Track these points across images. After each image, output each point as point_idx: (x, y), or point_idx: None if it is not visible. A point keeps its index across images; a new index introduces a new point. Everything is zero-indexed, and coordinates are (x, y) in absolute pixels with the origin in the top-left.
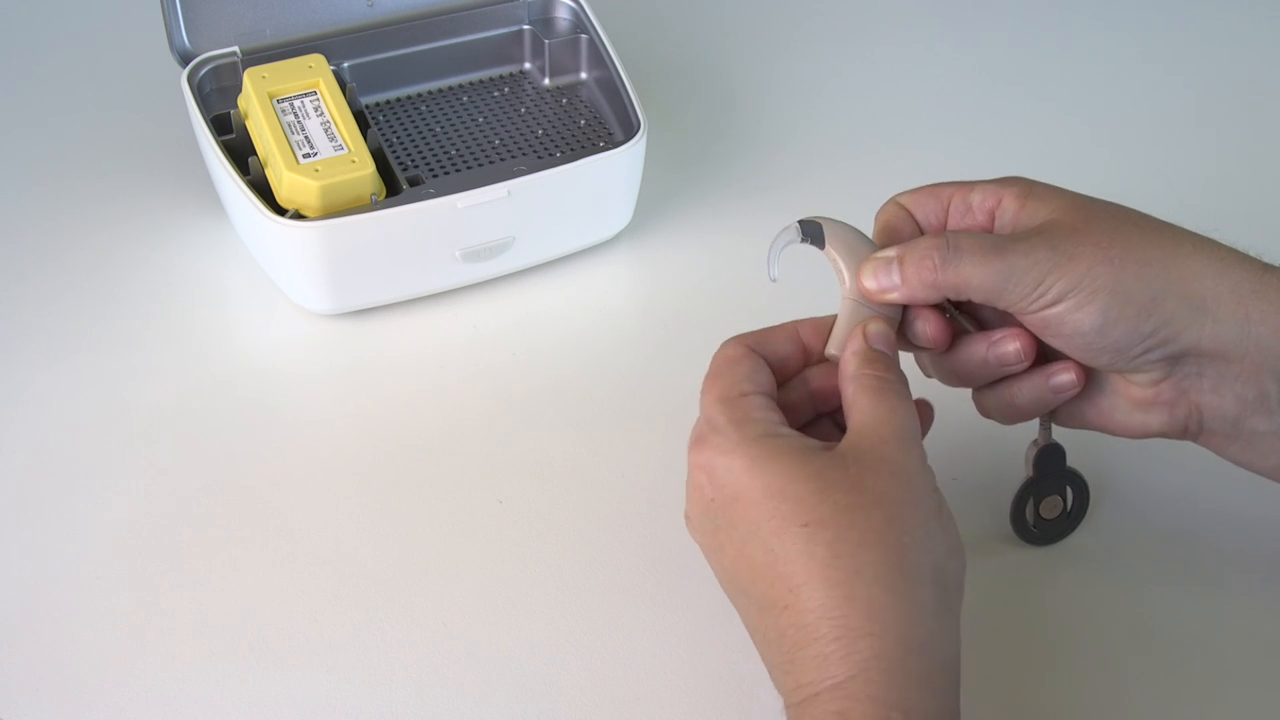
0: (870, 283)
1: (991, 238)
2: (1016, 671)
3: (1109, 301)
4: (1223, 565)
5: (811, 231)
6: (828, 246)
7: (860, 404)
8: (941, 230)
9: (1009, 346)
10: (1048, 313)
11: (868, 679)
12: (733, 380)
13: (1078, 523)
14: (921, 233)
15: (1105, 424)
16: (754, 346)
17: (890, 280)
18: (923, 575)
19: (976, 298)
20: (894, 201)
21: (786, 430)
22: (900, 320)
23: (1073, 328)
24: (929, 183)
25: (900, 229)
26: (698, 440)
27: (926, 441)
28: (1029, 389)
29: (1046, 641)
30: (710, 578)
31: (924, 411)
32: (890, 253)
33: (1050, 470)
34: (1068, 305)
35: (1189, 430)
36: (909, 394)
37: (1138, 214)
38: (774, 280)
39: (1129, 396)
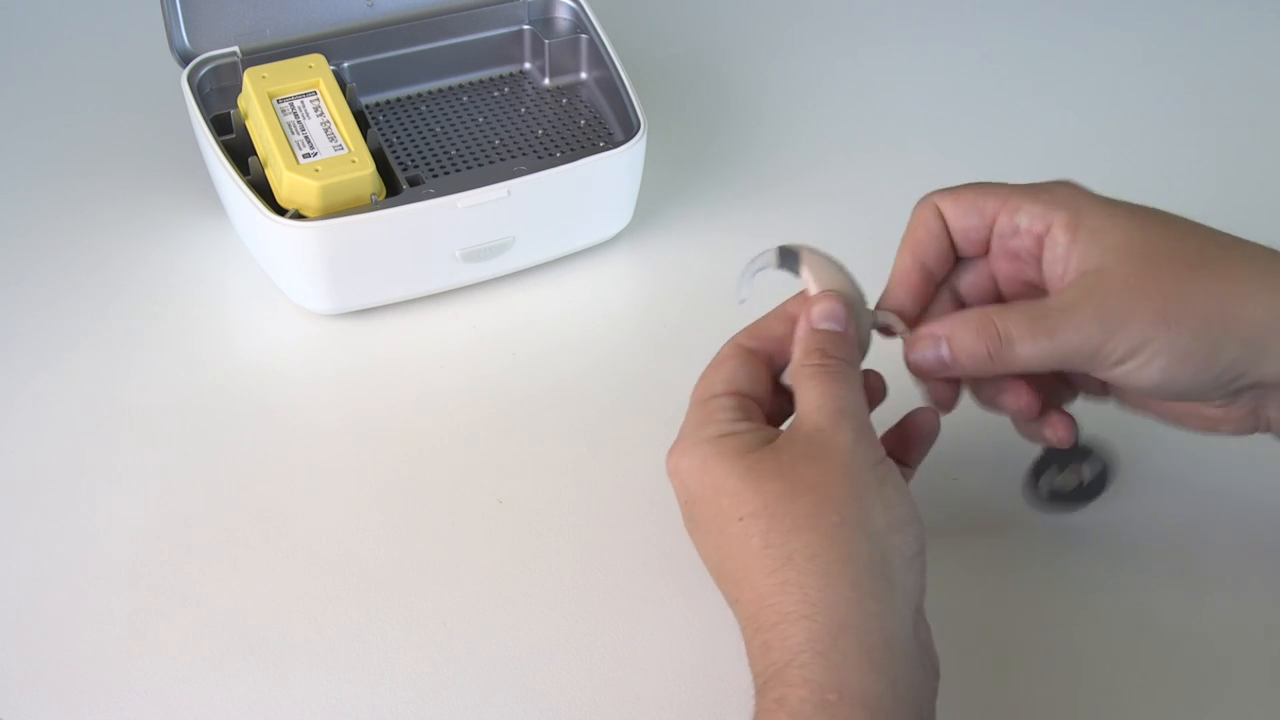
0: (920, 360)
1: (1039, 313)
2: (1014, 665)
3: (1168, 362)
4: (1230, 560)
5: (789, 260)
6: (803, 274)
7: (799, 394)
8: (985, 245)
9: (1008, 403)
10: (1108, 374)
11: (802, 663)
12: (709, 383)
13: (1094, 496)
14: (953, 249)
15: (1175, 424)
16: (745, 341)
17: (939, 358)
18: (856, 554)
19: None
20: (932, 204)
21: (744, 426)
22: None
23: (1135, 383)
24: (959, 184)
25: (928, 246)
26: (672, 446)
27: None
28: (1025, 427)
29: (1045, 635)
30: (708, 578)
31: (874, 384)
32: (937, 331)
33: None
34: (1127, 368)
35: (1258, 430)
36: (850, 372)
37: (1197, 246)
38: (742, 302)
39: (1200, 413)
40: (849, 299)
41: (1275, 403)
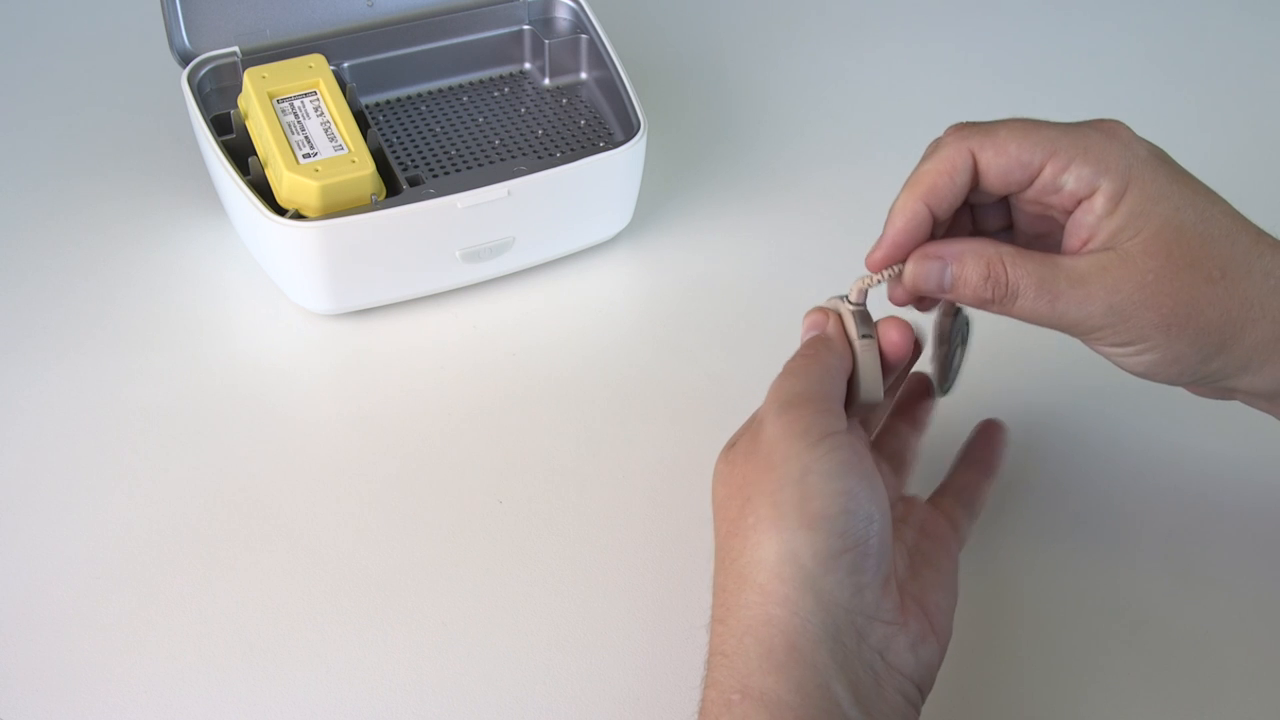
0: (921, 279)
1: (1049, 274)
2: (1010, 665)
3: (1158, 359)
4: (1230, 559)
5: None
6: None
7: None
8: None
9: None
10: (1094, 347)
11: (713, 665)
12: None
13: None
14: (970, 192)
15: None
16: None
17: (940, 283)
18: (763, 558)
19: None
20: (967, 152)
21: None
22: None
23: (1117, 362)
24: (993, 122)
25: (945, 195)
26: None
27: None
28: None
29: (1043, 635)
30: (708, 577)
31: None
32: (945, 254)
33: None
34: (1116, 351)
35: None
36: (810, 366)
37: (1221, 255)
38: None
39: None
40: (826, 307)
41: (1263, 402)
